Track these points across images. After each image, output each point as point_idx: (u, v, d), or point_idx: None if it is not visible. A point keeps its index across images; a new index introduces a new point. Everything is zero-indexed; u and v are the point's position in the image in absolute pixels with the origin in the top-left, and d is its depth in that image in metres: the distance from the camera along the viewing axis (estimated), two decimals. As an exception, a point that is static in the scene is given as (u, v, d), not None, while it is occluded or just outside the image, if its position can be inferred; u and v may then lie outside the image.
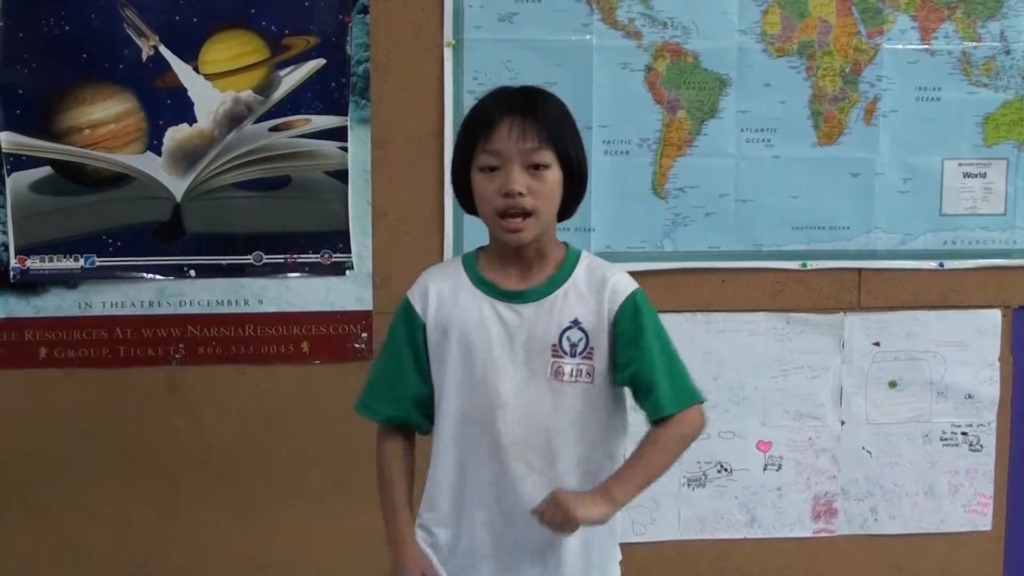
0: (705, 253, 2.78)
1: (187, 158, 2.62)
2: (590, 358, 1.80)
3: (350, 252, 2.69)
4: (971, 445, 2.92)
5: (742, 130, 2.76)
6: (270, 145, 2.64)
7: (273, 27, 2.61)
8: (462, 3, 2.64)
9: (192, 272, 2.66)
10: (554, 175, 1.78)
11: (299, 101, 2.63)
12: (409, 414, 1.87)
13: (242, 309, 2.68)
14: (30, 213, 2.59)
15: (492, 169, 1.77)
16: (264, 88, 2.62)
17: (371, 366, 1.94)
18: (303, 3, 2.61)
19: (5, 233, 2.59)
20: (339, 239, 2.68)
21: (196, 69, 2.59)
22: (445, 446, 1.84)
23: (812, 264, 2.82)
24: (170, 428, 2.69)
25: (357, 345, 2.70)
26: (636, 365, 1.79)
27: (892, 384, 2.89)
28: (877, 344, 2.87)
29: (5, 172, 2.57)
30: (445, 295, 1.84)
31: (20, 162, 2.58)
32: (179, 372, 2.68)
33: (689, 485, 2.86)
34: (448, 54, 2.66)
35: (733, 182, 2.77)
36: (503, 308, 1.81)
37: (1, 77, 2.55)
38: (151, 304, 2.66)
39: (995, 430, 2.92)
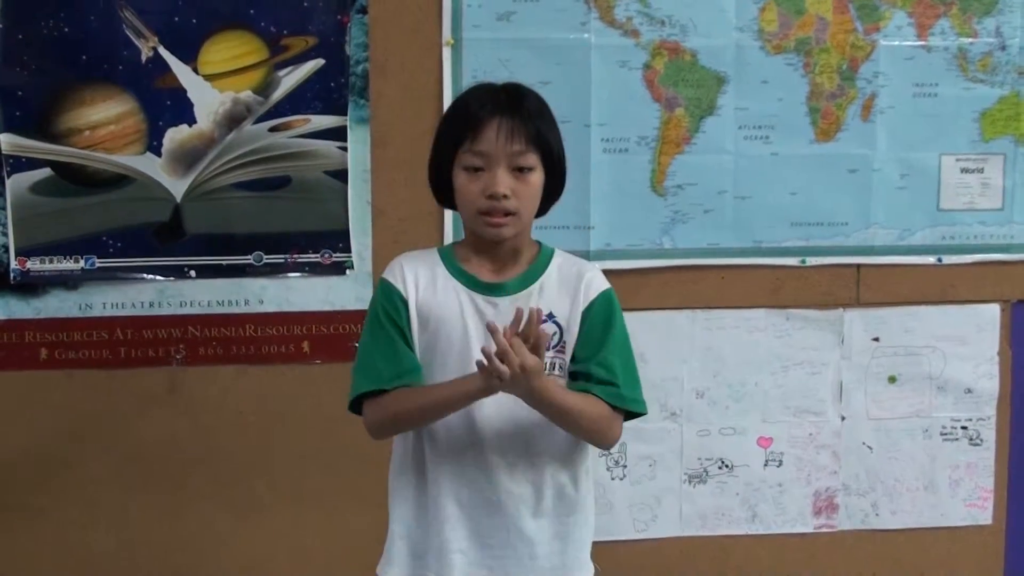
0: (704, 250, 2.79)
1: (187, 159, 2.62)
2: (563, 352, 1.83)
3: (350, 252, 2.69)
4: (971, 439, 2.93)
5: (740, 127, 2.77)
6: (270, 145, 2.64)
7: (272, 28, 2.61)
8: (460, 2, 2.65)
9: (192, 273, 2.66)
10: (537, 177, 1.80)
11: (298, 101, 2.63)
12: (414, 376, 1.81)
13: (242, 309, 2.68)
14: (30, 214, 2.59)
15: (476, 169, 1.78)
16: (263, 88, 2.62)
17: (358, 355, 1.87)
18: (302, 3, 2.61)
19: (5, 235, 2.59)
20: (339, 239, 2.68)
21: (195, 70, 2.59)
22: (418, 436, 1.84)
23: (811, 260, 2.83)
24: (171, 429, 2.69)
25: (358, 345, 2.69)
26: (598, 358, 1.81)
27: (892, 379, 2.90)
28: (876, 339, 2.88)
29: (5, 174, 2.57)
30: (423, 280, 1.84)
31: (20, 164, 2.58)
32: (180, 373, 2.68)
33: (690, 482, 2.86)
34: (447, 53, 2.67)
35: (732, 179, 2.78)
36: (480, 300, 1.83)
37: (1, 79, 2.55)
38: (151, 305, 2.66)
39: (995, 424, 2.92)
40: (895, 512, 2.92)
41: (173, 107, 2.60)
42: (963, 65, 2.82)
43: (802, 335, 2.85)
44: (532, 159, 1.79)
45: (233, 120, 2.62)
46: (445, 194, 1.86)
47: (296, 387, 2.71)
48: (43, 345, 2.64)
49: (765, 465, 2.88)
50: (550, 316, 1.82)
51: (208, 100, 2.60)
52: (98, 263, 2.63)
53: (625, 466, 2.83)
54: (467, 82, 2.65)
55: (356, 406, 1.86)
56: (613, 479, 2.83)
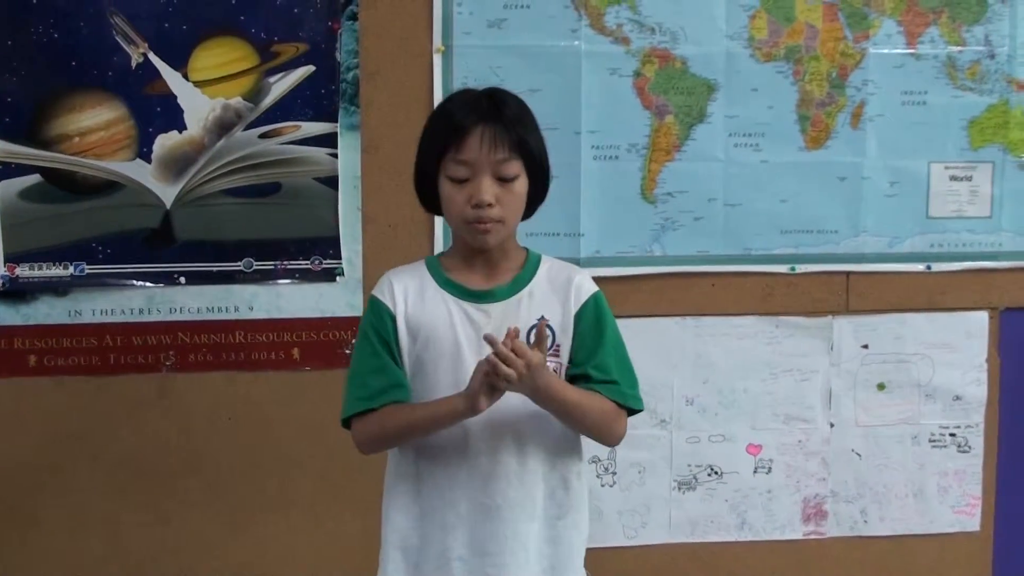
0: (694, 257, 2.80)
1: (177, 165, 2.62)
2: (557, 355, 1.84)
3: (340, 258, 2.69)
4: (959, 446, 2.94)
5: (730, 135, 2.77)
6: (260, 152, 2.64)
7: (262, 34, 2.61)
8: (451, 9, 2.65)
9: (182, 279, 2.66)
10: (521, 185, 1.82)
11: (289, 108, 2.63)
12: (401, 392, 1.84)
13: (232, 316, 2.68)
14: (19, 221, 2.59)
15: (462, 180, 1.79)
16: (254, 95, 2.62)
17: (349, 372, 1.89)
18: (292, 10, 2.61)
19: (-6, 241, 2.59)
20: (329, 245, 2.68)
21: (186, 76, 2.59)
22: (413, 447, 1.85)
23: (800, 268, 2.83)
24: (161, 435, 2.69)
25: (348, 351, 2.69)
26: (595, 360, 1.84)
27: (881, 386, 2.90)
28: (865, 347, 2.89)
29: (-6, 180, 2.57)
30: (411, 294, 1.85)
31: (9, 170, 2.57)
32: (169, 379, 2.68)
33: (679, 488, 2.86)
34: (437, 60, 2.67)
35: (721, 187, 2.78)
36: (471, 308, 1.84)
37: (-10, 85, 2.55)
38: (141, 311, 2.66)
39: (983, 431, 2.93)
40: (884, 519, 2.93)
41: (163, 113, 2.59)
42: (952, 73, 2.83)
43: (792, 342, 2.86)
44: (515, 167, 1.81)
45: (223, 127, 2.62)
46: (432, 201, 1.88)
47: (286, 394, 2.71)
48: (32, 352, 2.63)
49: (754, 472, 2.88)
50: (542, 319, 1.82)
51: (198, 106, 2.60)
52: (88, 269, 2.63)
53: (615, 473, 2.84)
54: (457, 89, 2.65)
55: (349, 422, 1.88)
56: (603, 486, 2.83)
